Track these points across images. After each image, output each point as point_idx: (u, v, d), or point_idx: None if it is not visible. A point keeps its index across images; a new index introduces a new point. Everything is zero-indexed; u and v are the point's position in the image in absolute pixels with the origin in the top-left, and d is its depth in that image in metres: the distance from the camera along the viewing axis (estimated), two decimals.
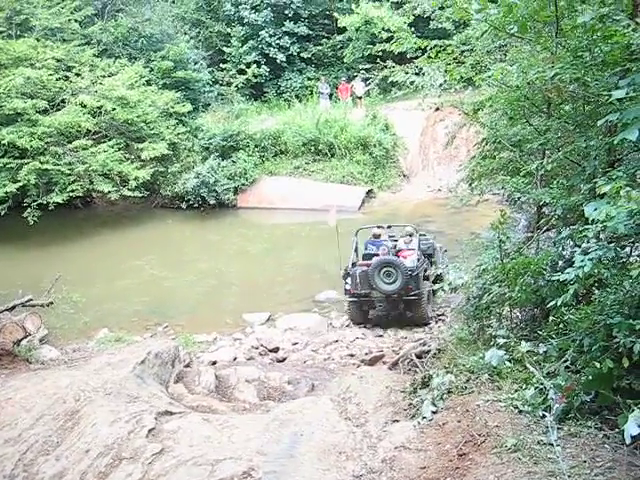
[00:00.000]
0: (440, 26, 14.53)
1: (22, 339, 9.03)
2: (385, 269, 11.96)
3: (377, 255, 12.51)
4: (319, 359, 10.76)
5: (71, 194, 19.71)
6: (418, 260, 12.48)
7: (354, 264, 12.76)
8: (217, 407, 7.10)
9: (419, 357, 8.24)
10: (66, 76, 21.03)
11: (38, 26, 22.42)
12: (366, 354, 10.59)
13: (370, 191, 23.19)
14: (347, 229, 18.72)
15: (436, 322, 12.27)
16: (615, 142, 4.62)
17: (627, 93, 4.37)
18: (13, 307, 10.17)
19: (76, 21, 23.68)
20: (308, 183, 23.40)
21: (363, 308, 12.72)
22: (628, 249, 4.75)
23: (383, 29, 8.43)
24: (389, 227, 14.29)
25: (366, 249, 13.17)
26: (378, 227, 13.91)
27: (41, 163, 18.88)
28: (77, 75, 21.32)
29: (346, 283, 12.54)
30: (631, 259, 4.71)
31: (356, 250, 13.29)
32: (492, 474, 3.89)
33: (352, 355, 10.78)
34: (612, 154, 5.43)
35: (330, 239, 19.42)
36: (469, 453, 4.30)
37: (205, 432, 5.47)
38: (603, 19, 5.03)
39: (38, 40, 21.50)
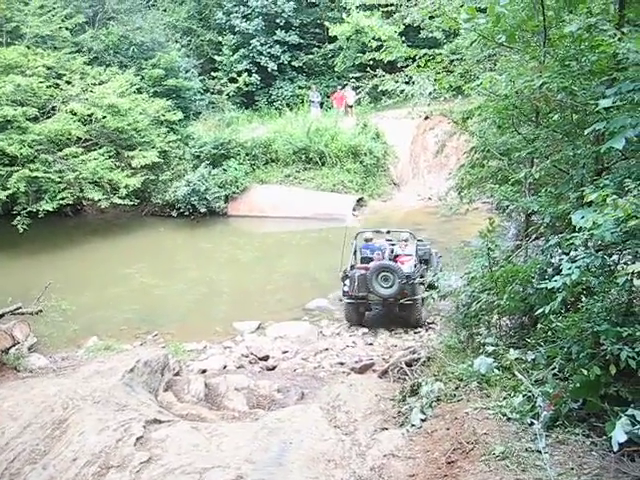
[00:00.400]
0: (430, 35, 14.62)
1: (10, 347, 8.99)
2: (383, 274, 12.26)
3: (372, 259, 12.82)
4: (309, 367, 10.74)
5: (61, 202, 19.62)
6: (415, 266, 12.75)
7: (352, 267, 13.04)
8: (206, 415, 7.07)
9: (409, 365, 8.23)
10: (57, 84, 21.00)
11: (29, 33, 22.39)
12: (356, 362, 10.57)
13: (361, 199, 23.25)
14: (338, 238, 18.77)
15: (426, 330, 12.29)
16: (602, 151, 4.67)
17: (614, 102, 4.41)
18: (2, 315, 10.10)
19: (67, 29, 23.65)
20: (299, 191, 23.43)
21: (360, 310, 12.96)
22: (615, 257, 4.77)
23: (374, 38, 8.45)
24: (388, 232, 14.59)
25: (361, 253, 13.44)
26: (377, 232, 14.38)
27: (31, 171, 18.79)
28: (68, 83, 21.29)
29: (344, 285, 12.78)
30: (618, 267, 4.73)
31: (355, 253, 13.58)
32: None
33: (342, 363, 10.76)
34: (599, 162, 5.46)
35: (320, 248, 19.50)
36: (458, 461, 4.31)
37: (194, 440, 5.45)
38: (590, 29, 5.08)
39: (29, 47, 21.47)
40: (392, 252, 13.40)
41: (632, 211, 3.73)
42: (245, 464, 4.88)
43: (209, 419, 6.83)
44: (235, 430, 5.77)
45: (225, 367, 10.77)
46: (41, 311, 11.23)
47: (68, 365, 9.24)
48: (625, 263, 4.58)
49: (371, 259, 12.87)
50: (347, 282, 12.68)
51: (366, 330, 12.63)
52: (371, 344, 11.90)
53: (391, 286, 12.17)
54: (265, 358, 11.33)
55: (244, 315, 13.77)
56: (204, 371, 10.29)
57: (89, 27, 25.52)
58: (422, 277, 12.22)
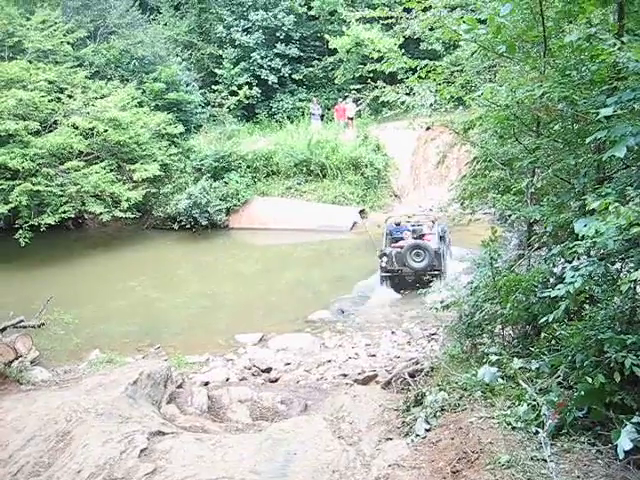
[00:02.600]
0: (430, 47, 14.74)
1: (13, 360, 8.96)
2: (416, 250, 15.12)
3: (402, 239, 15.86)
4: (312, 379, 10.71)
5: (63, 215, 19.73)
6: (438, 242, 15.53)
7: (385, 247, 15.90)
8: (210, 427, 7.05)
9: (412, 376, 8.19)
10: (58, 98, 21.15)
11: (31, 48, 22.58)
12: (359, 374, 10.54)
13: (362, 211, 23.27)
14: (339, 250, 18.81)
15: (429, 341, 12.27)
16: (604, 159, 4.68)
17: (614, 111, 4.43)
18: (4, 328, 10.09)
19: (68, 43, 23.81)
20: (300, 204, 23.50)
21: (395, 281, 15.55)
22: (618, 265, 4.78)
23: (374, 50, 8.50)
24: (413, 215, 17.80)
25: (392, 235, 16.38)
26: (407, 216, 17.74)
27: (33, 184, 18.91)
28: (69, 97, 21.43)
29: (381, 261, 15.52)
30: (621, 275, 4.74)
31: (386, 236, 16.35)
32: None
33: (345, 375, 10.73)
34: (601, 171, 5.48)
35: (322, 259, 19.52)
36: (463, 470, 4.29)
37: (198, 452, 5.43)
38: (590, 39, 5.11)
39: (30, 62, 21.68)
40: (417, 232, 16.26)
41: (634, 218, 3.74)
42: (250, 475, 4.87)
43: (213, 431, 6.81)
44: (239, 441, 5.75)
45: (228, 379, 10.76)
46: (43, 324, 11.22)
47: (71, 378, 9.20)
48: (628, 271, 4.58)
49: (401, 238, 15.89)
50: (384, 259, 15.43)
51: (369, 342, 12.63)
52: (374, 355, 11.88)
53: (422, 260, 14.97)
54: (268, 370, 11.32)
55: (246, 327, 13.78)
56: (207, 383, 10.27)
57: (90, 41, 25.69)
58: (441, 250, 15.32)
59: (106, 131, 20.97)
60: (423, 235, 16.16)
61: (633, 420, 3.98)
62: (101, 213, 20.32)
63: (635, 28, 5.43)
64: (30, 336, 10.54)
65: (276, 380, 10.76)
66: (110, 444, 5.59)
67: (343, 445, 5.45)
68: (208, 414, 8.03)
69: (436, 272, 14.79)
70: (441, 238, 15.97)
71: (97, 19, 26.78)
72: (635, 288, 4.52)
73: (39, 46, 22.70)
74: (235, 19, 30.78)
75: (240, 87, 28.34)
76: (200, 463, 5.19)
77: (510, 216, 7.28)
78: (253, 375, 11.16)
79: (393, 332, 13.08)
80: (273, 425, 6.54)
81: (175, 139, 24.20)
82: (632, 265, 4.64)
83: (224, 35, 30.78)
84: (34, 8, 24.53)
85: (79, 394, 7.02)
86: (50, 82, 21.11)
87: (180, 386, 8.72)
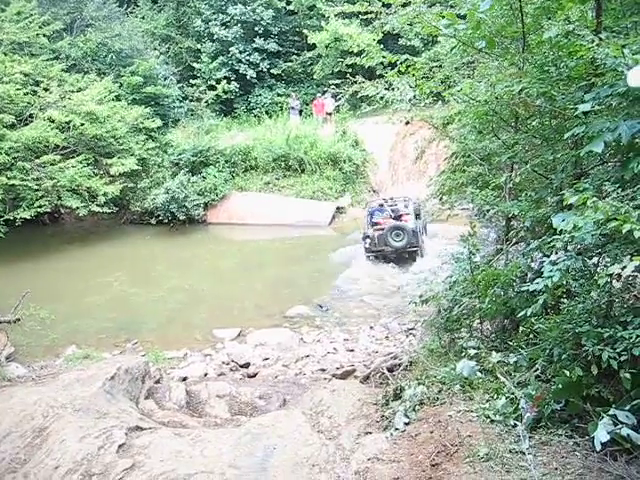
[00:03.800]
0: (409, 43, 14.75)
1: None
2: (395, 231, 16.87)
3: (379, 222, 17.61)
4: (290, 374, 10.70)
5: (39, 210, 19.49)
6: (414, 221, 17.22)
7: (367, 230, 17.68)
8: (188, 422, 7.02)
9: (390, 370, 8.23)
10: (34, 91, 20.87)
11: (6, 40, 22.23)
12: (337, 368, 10.56)
13: (340, 206, 23.30)
14: (317, 245, 18.85)
15: (407, 336, 12.31)
16: (581, 155, 4.72)
17: (592, 107, 4.47)
18: None
19: (44, 35, 23.51)
20: (278, 199, 23.48)
21: (378, 259, 17.32)
22: (595, 259, 4.83)
23: (353, 45, 8.50)
24: (391, 199, 19.36)
25: (374, 216, 18.10)
26: (384, 199, 19.57)
27: (8, 178, 18.64)
28: (45, 90, 21.16)
29: (365, 243, 17.39)
30: (598, 269, 4.79)
31: (367, 219, 18.15)
32: None
33: (323, 370, 10.74)
34: (578, 167, 5.52)
35: (300, 254, 19.51)
36: (442, 463, 4.31)
37: (176, 447, 5.40)
38: (568, 35, 5.14)
39: (5, 54, 21.33)
40: (395, 212, 17.92)
41: (612, 213, 3.77)
42: (229, 469, 4.86)
43: (191, 426, 6.78)
44: (218, 436, 5.73)
45: (206, 375, 10.72)
46: (19, 320, 11.11)
47: (47, 374, 9.10)
48: (605, 265, 4.63)
49: (379, 223, 17.54)
50: (367, 240, 17.27)
51: (347, 337, 12.65)
52: (352, 350, 11.90)
53: (402, 239, 16.78)
54: (246, 365, 11.29)
55: (224, 322, 13.74)
56: (185, 379, 10.22)
57: (67, 34, 25.40)
58: (417, 227, 17.14)
59: (83, 125, 20.74)
60: (401, 215, 17.83)
61: (609, 412, 4.02)
62: (77, 208, 20.11)
63: (612, 25, 5.48)
64: (5, 332, 10.44)
65: (254, 375, 10.74)
66: (88, 440, 5.54)
67: (322, 439, 5.46)
68: (186, 409, 8.00)
69: (414, 249, 16.88)
70: (416, 216, 17.73)
71: (74, 11, 26.50)
72: (612, 282, 4.57)
73: (14, 38, 22.37)
74: (213, 13, 30.64)
75: (218, 81, 28.25)
76: (179, 458, 5.17)
77: (488, 211, 7.31)
78: (231, 370, 11.13)
79: (371, 327, 13.10)
80: (252, 420, 6.53)
81: (153, 133, 24.02)
82: (609, 260, 4.68)
83: (202, 29, 30.63)
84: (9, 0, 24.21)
85: (56, 390, 6.94)
86: (26, 75, 20.81)
87: (158, 381, 8.68)
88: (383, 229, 17.10)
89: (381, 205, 18.75)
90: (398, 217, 17.79)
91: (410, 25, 8.23)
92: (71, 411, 6.25)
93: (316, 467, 4.87)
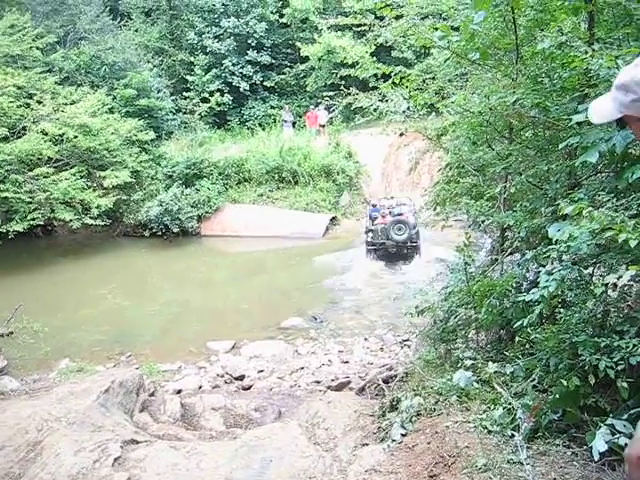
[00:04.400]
0: (402, 55, 14.85)
1: None
2: (398, 225, 17.86)
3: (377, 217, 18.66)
4: (285, 386, 10.67)
5: (32, 222, 19.47)
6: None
7: (369, 225, 18.88)
8: (183, 435, 6.98)
9: (386, 382, 8.23)
10: (27, 103, 20.88)
11: None
12: (332, 380, 10.54)
13: (334, 218, 23.33)
14: (311, 257, 18.90)
15: (401, 347, 12.31)
16: (576, 165, 4.74)
17: (586, 117, 4.49)
18: None
19: (38, 48, 23.56)
20: (272, 211, 23.50)
21: (377, 253, 18.33)
22: (591, 269, 4.83)
23: (345, 59, 8.53)
24: (392, 198, 20.38)
25: (371, 214, 19.08)
26: (385, 199, 20.45)
27: (1, 191, 18.61)
28: (39, 103, 21.17)
29: (367, 237, 18.54)
30: (593, 279, 4.79)
31: (369, 216, 19.32)
32: None
33: (318, 382, 10.71)
34: (572, 177, 5.54)
35: (294, 266, 19.51)
36: (440, 474, 4.29)
37: (172, 460, 5.36)
38: (562, 46, 5.18)
39: None
40: (395, 210, 18.74)
41: (608, 222, 3.78)
42: None
43: (186, 439, 6.74)
44: (214, 448, 5.69)
45: (200, 387, 10.68)
46: (12, 333, 11.07)
47: (41, 387, 9.06)
48: (601, 275, 4.64)
49: (377, 217, 18.62)
50: (370, 234, 18.41)
51: (342, 348, 12.64)
52: (347, 362, 11.88)
53: (403, 233, 17.74)
54: (241, 378, 11.25)
55: (218, 335, 13.70)
56: (179, 391, 10.19)
57: (60, 47, 25.46)
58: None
59: (76, 137, 20.76)
60: (401, 214, 18.61)
61: (607, 422, 4.01)
62: (71, 220, 20.09)
63: (605, 37, 5.51)
64: None
65: (249, 387, 10.70)
66: (83, 453, 5.49)
67: (319, 451, 5.43)
68: (181, 422, 7.96)
69: (414, 244, 17.91)
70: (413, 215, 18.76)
71: (67, 24, 26.58)
72: (607, 292, 4.58)
73: (7, 51, 22.39)
74: (207, 26, 30.77)
75: (211, 94, 28.33)
76: (175, 471, 5.13)
77: (483, 222, 7.33)
78: (226, 383, 11.09)
79: (366, 339, 13.10)
80: (248, 432, 6.49)
81: (146, 146, 24.04)
82: (604, 269, 4.70)
83: (195, 42, 30.75)
84: (2, 12, 24.23)
85: (50, 403, 6.89)
86: (19, 87, 20.82)
87: (152, 394, 8.63)
88: (385, 223, 18.09)
89: (376, 205, 19.79)
90: (399, 214, 18.61)
91: (403, 37, 8.26)
92: (65, 424, 6.21)
93: (313, 479, 4.84)
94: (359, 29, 9.20)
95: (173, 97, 28.85)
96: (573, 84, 5.15)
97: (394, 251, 18.04)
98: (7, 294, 15.89)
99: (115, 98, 24.64)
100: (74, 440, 5.79)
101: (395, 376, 8.17)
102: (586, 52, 4.76)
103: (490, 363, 5.41)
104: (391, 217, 18.29)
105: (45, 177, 19.87)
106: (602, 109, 2.70)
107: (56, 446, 5.69)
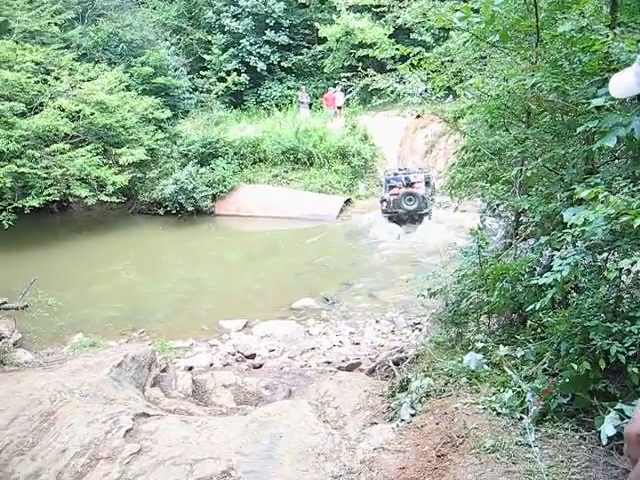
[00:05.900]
0: (420, 38, 14.73)
1: None
2: (408, 196, 20.10)
3: (395, 186, 20.70)
4: (296, 366, 10.73)
5: (47, 198, 19.58)
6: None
7: (384, 194, 20.84)
8: (194, 410, 7.06)
9: (396, 364, 8.24)
10: (45, 79, 20.93)
11: (17, 28, 22.31)
12: (343, 361, 10.58)
13: (348, 200, 23.30)
14: (324, 239, 18.91)
15: (412, 330, 12.33)
16: (594, 150, 4.71)
17: (605, 102, 4.45)
18: None
19: (56, 24, 23.62)
20: (287, 191, 23.50)
21: (392, 219, 20.42)
22: (605, 254, 4.82)
23: (364, 39, 8.48)
24: (405, 168, 22.05)
25: (389, 182, 21.08)
26: (399, 169, 22.11)
27: (17, 166, 18.71)
28: (56, 79, 21.22)
29: (382, 205, 20.67)
30: (607, 264, 4.78)
31: (384, 186, 21.27)
32: (471, 474, 3.92)
33: (329, 362, 10.77)
34: (589, 162, 5.51)
35: (307, 247, 19.56)
36: (448, 454, 4.33)
37: (183, 433, 5.43)
38: (583, 30, 5.13)
39: (17, 42, 21.40)
40: (408, 180, 20.74)
41: (623, 207, 3.77)
42: (236, 456, 4.88)
43: (197, 414, 6.82)
44: (225, 423, 5.76)
45: (212, 365, 10.76)
46: (27, 307, 11.20)
47: (54, 360, 9.18)
48: (615, 260, 4.63)
49: (395, 186, 20.63)
50: (384, 203, 20.53)
51: (353, 330, 12.68)
52: (358, 344, 11.92)
53: (413, 204, 20.01)
54: (252, 356, 11.32)
55: (230, 314, 13.77)
56: (191, 368, 10.27)
57: (78, 23, 25.49)
58: (426, 194, 20.15)
59: (92, 114, 20.82)
60: (413, 183, 20.60)
61: (616, 407, 4.02)
62: (86, 197, 20.20)
63: (627, 20, 5.45)
64: (13, 318, 10.51)
65: (260, 366, 10.77)
66: (95, 424, 5.58)
67: (328, 429, 5.48)
68: (192, 398, 8.04)
69: (423, 213, 19.98)
70: (427, 184, 20.70)
71: (85, 1, 26.60)
72: (621, 277, 4.57)
73: (26, 26, 22.47)
74: (225, 5, 30.65)
75: (228, 73, 28.25)
76: (186, 444, 5.20)
77: (498, 206, 7.30)
78: (237, 361, 11.17)
79: (377, 321, 13.12)
80: (258, 409, 6.56)
81: (162, 124, 24.08)
82: (618, 255, 4.68)
83: (213, 21, 30.65)
84: None
85: (63, 375, 6.99)
86: (37, 63, 20.90)
87: (164, 370, 8.72)
88: (398, 194, 20.16)
89: (396, 174, 21.44)
90: (411, 184, 20.54)
91: (423, 17, 8.19)
92: (78, 396, 6.29)
93: (322, 456, 4.89)
94: (378, 10, 9.09)
95: (190, 76, 28.84)
96: (593, 68, 5.09)
97: (406, 218, 20.18)
98: (22, 269, 16.07)
99: (132, 76, 24.65)
100: (87, 412, 5.88)
101: (405, 358, 8.18)
102: (607, 35, 4.71)
103: (501, 346, 5.43)
104: (404, 189, 20.32)
105: (61, 153, 19.96)
106: (623, 83, 2.66)
107: (69, 417, 5.78)
